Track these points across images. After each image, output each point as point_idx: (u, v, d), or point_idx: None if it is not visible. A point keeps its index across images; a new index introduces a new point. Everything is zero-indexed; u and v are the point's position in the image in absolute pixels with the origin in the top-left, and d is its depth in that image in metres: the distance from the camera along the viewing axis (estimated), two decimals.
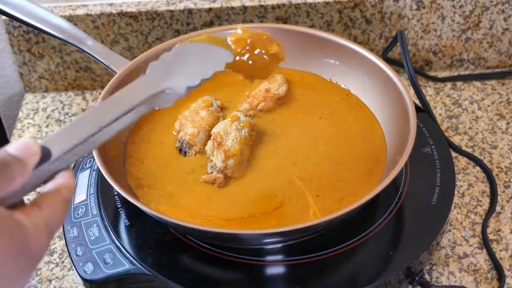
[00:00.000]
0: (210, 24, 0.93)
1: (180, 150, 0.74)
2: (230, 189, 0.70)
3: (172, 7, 0.92)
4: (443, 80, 0.96)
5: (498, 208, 0.78)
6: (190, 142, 0.74)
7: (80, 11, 0.92)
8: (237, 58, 0.67)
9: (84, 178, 0.76)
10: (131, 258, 0.67)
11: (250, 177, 0.71)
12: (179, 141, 0.74)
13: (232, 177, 0.71)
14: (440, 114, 0.90)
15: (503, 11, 0.92)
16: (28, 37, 0.94)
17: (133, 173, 0.72)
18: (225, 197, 0.70)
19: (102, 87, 0.97)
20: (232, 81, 0.83)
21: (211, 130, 0.73)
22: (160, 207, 0.68)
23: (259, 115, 0.79)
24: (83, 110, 0.95)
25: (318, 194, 0.69)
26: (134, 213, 0.71)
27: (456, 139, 0.87)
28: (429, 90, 0.94)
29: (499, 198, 0.79)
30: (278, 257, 0.68)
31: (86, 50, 0.78)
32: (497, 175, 0.82)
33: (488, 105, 0.92)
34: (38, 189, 0.46)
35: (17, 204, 0.43)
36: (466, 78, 0.96)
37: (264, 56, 0.69)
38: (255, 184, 0.71)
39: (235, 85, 0.82)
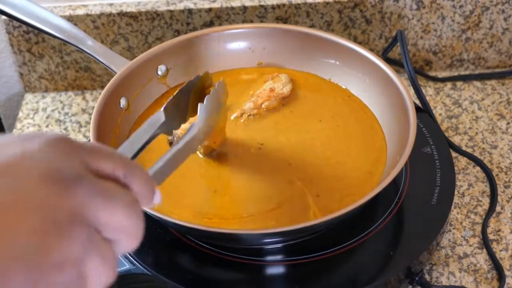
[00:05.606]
0: (210, 24, 0.93)
1: (171, 143, 0.73)
2: (230, 188, 0.70)
3: (172, 7, 0.92)
4: (443, 80, 0.96)
5: (498, 208, 0.78)
6: (181, 136, 0.73)
7: (80, 11, 0.92)
8: None
9: None
10: (131, 258, 0.67)
11: (250, 176, 0.71)
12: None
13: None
14: (440, 114, 0.90)
15: (503, 11, 0.92)
16: (28, 37, 0.94)
17: None
18: (225, 196, 0.70)
19: (102, 87, 0.97)
20: (235, 82, 0.82)
21: None
22: (162, 207, 0.68)
23: (263, 114, 0.79)
24: (83, 110, 0.95)
25: (318, 194, 0.69)
26: None
27: (456, 139, 0.87)
28: (429, 90, 0.94)
29: (499, 198, 0.79)
30: (278, 257, 0.68)
31: (86, 50, 0.78)
32: (497, 175, 0.82)
33: (488, 105, 0.92)
34: None
35: None
36: (466, 78, 0.96)
37: None
38: (255, 183, 0.70)
39: (238, 85, 0.82)
